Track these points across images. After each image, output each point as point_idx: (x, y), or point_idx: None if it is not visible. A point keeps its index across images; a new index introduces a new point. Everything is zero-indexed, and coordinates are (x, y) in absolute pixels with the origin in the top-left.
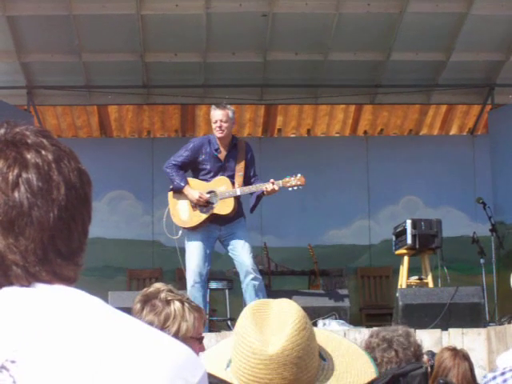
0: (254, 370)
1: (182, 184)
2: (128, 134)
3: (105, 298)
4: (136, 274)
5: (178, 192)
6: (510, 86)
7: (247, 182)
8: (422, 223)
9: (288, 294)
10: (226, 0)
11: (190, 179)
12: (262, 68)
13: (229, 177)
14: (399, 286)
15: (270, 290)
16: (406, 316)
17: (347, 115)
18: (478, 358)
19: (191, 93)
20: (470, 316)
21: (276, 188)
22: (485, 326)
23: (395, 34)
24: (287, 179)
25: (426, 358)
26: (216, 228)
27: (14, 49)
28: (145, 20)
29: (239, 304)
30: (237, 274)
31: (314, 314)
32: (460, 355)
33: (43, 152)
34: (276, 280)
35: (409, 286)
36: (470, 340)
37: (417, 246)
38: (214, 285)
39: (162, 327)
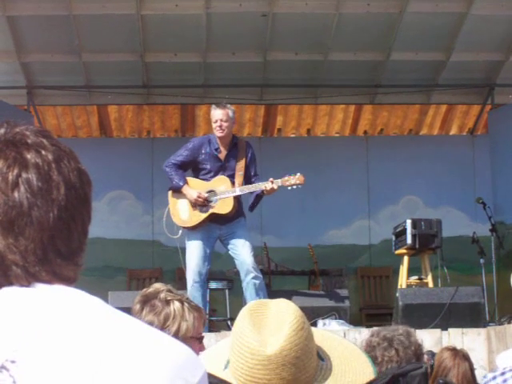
0: (252, 371)
1: (181, 183)
2: (128, 134)
3: (105, 298)
4: (136, 274)
5: (178, 191)
6: (509, 86)
7: (248, 181)
8: (421, 223)
9: (288, 294)
10: (226, 0)
11: (189, 179)
12: (262, 68)
13: (229, 176)
14: (399, 286)
15: (270, 290)
16: (406, 316)
17: (347, 115)
18: (478, 358)
19: (191, 93)
20: (469, 316)
21: (275, 187)
22: (485, 326)
23: (395, 34)
24: (286, 178)
25: (426, 357)
26: (216, 227)
27: (14, 49)
28: (145, 20)
29: (239, 304)
30: (237, 273)
31: (313, 314)
32: (460, 355)
33: (43, 152)
34: (276, 280)
35: (409, 285)
36: (470, 340)
37: (417, 246)
38: (213, 285)
39: (162, 327)
